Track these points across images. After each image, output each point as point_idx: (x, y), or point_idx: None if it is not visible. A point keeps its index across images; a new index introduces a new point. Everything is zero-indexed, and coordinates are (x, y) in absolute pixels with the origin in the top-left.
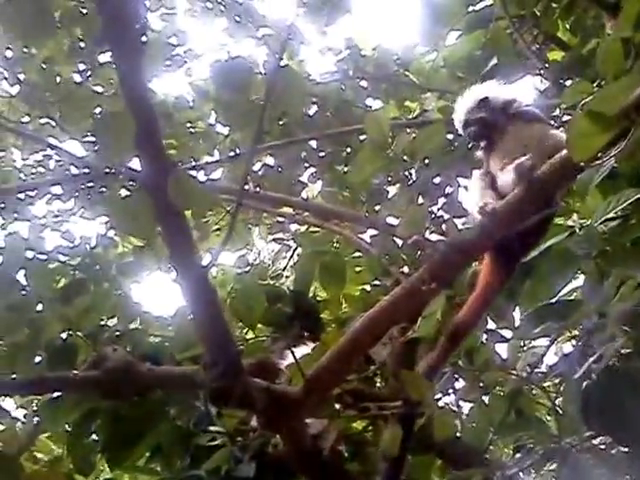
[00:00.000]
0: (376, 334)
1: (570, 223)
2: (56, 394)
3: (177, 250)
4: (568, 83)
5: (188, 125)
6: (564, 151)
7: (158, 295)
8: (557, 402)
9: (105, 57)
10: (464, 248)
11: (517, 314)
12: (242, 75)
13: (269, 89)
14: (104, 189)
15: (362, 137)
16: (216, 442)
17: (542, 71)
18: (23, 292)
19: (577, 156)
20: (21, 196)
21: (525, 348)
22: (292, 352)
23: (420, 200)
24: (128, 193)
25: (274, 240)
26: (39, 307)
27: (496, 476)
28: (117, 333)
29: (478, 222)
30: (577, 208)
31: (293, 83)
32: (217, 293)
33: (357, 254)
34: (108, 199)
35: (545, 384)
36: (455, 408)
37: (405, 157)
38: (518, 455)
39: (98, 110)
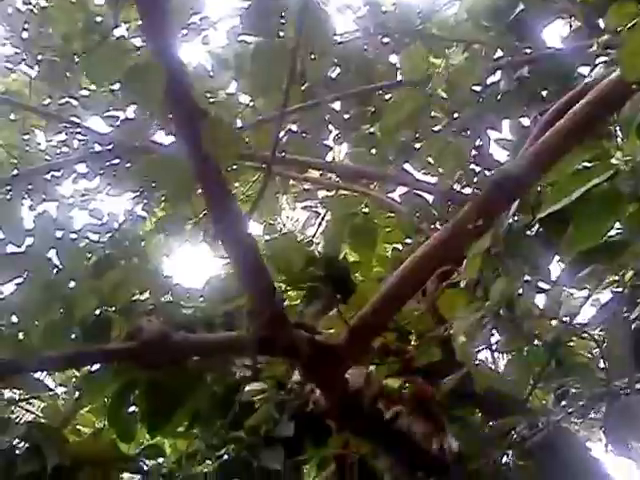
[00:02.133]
0: (420, 279)
1: (613, 161)
2: (94, 367)
3: (217, 200)
4: (601, 22)
5: (208, 95)
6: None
7: (189, 268)
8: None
9: (121, 31)
10: (510, 183)
11: (554, 266)
12: (272, 16)
13: (298, 28)
14: (129, 164)
15: (387, 96)
16: (255, 402)
17: (573, 12)
18: (55, 271)
19: (630, 75)
20: (47, 177)
21: (565, 296)
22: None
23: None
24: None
25: (302, 208)
26: (71, 285)
27: (541, 422)
28: (150, 307)
29: (523, 156)
30: (621, 146)
31: (321, 22)
32: (257, 244)
33: (387, 215)
34: (144, 161)
35: (588, 330)
36: (492, 361)
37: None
38: (562, 403)
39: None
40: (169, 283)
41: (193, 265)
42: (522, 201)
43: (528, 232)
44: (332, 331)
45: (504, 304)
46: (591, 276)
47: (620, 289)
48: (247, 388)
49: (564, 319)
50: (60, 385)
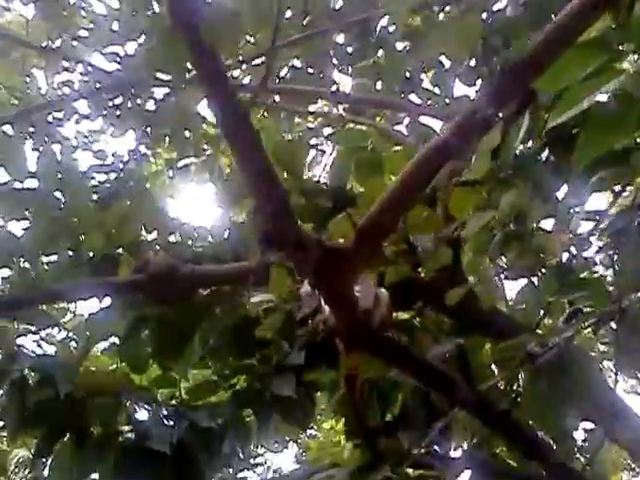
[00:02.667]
0: (427, 174)
1: (625, 66)
2: (104, 304)
3: (212, 83)
4: None
5: None
6: None
7: (195, 209)
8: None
9: None
10: (519, 72)
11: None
12: None
13: None
14: (132, 104)
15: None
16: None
17: None
18: (60, 208)
19: None
20: (49, 119)
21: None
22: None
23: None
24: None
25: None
26: (77, 221)
27: (551, 341)
28: (158, 246)
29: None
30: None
31: None
32: (259, 134)
33: (394, 147)
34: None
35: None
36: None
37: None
38: (573, 321)
39: None
40: (176, 222)
41: (200, 206)
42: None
43: (538, 158)
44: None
45: (513, 217)
46: (602, 182)
47: (632, 198)
48: (254, 299)
49: (574, 233)
50: (70, 332)
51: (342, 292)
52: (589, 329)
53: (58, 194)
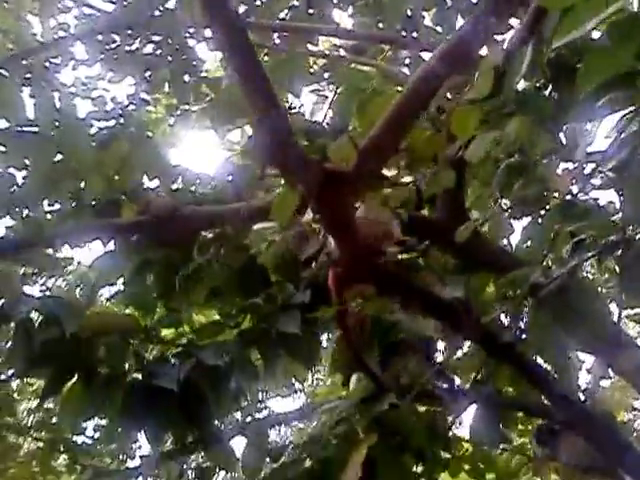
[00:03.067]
0: (430, 90)
1: None
2: (109, 248)
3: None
4: None
5: None
6: None
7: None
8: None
9: None
10: None
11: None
12: None
13: None
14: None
15: None
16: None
17: None
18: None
19: None
20: (46, 65)
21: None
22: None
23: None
24: None
25: (310, 92)
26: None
27: (555, 273)
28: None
29: None
30: None
31: None
32: (253, 46)
33: (396, 88)
34: None
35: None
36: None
37: None
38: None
39: None
40: (178, 169)
41: (202, 153)
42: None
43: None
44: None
45: (517, 148)
46: (610, 103)
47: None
48: (256, 226)
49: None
50: (77, 286)
51: (344, 219)
52: (593, 259)
53: (57, 139)
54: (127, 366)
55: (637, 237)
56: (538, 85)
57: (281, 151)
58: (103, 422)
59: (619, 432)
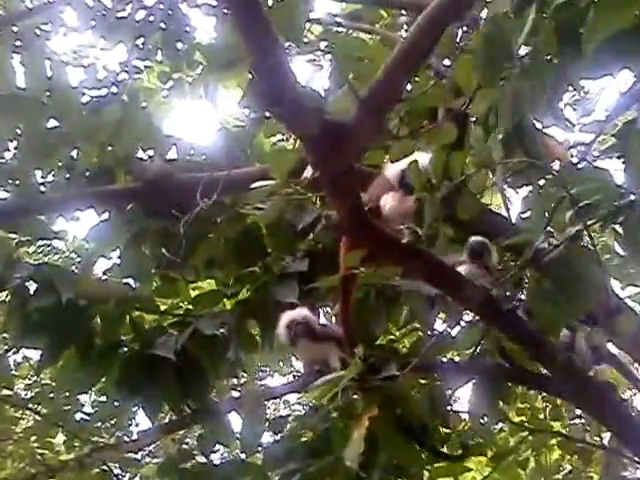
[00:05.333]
0: (432, 37)
1: None
2: (104, 217)
3: None
4: None
5: None
6: None
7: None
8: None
9: None
10: None
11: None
12: None
13: None
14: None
15: None
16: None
17: None
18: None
19: None
20: (37, 32)
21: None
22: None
23: None
24: None
25: (306, 62)
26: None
27: (558, 238)
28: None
29: None
30: None
31: None
32: None
33: None
34: None
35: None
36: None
37: None
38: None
39: None
40: (172, 139)
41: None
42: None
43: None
44: None
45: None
46: (614, 61)
47: None
48: (254, 184)
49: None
50: (73, 252)
51: (344, 175)
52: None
53: (49, 106)
54: (124, 336)
55: None
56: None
57: (278, 97)
58: (101, 399)
59: (619, 404)
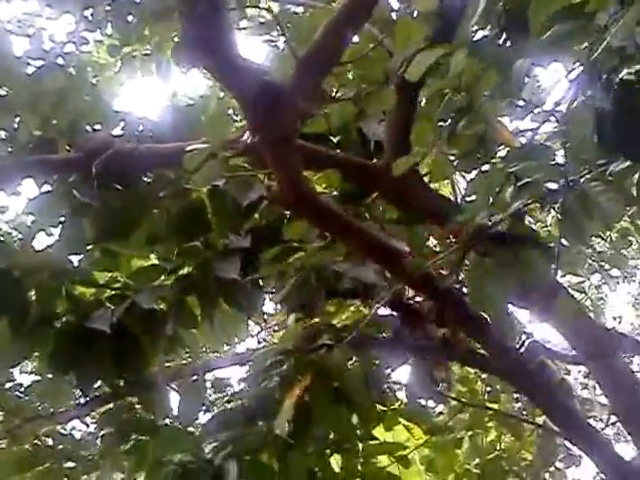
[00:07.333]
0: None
1: None
2: (45, 189)
3: None
4: None
5: None
6: None
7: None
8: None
9: None
10: None
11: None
12: None
13: None
14: None
15: None
16: None
17: None
18: None
19: None
20: None
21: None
22: None
23: None
24: None
25: (263, 42)
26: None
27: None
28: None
29: None
30: None
31: None
32: None
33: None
34: None
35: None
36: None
37: None
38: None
39: None
40: (120, 114)
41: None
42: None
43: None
44: None
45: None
46: (558, 41)
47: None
48: (189, 147)
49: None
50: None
51: (285, 146)
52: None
53: None
54: (60, 309)
55: (580, 182)
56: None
57: (210, 48)
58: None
59: (551, 383)
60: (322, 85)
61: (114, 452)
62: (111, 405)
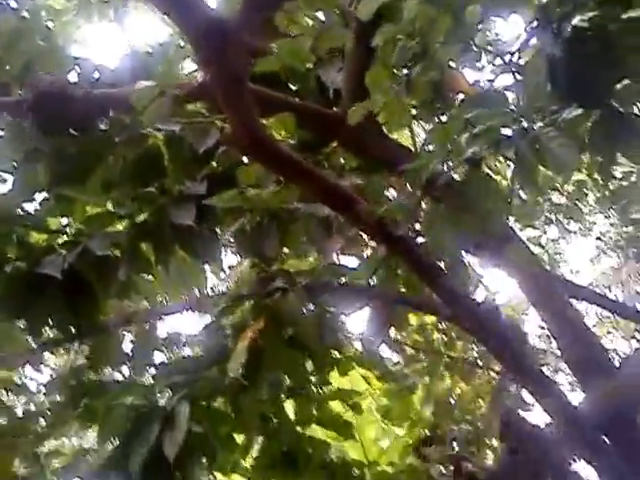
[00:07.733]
0: None
1: None
2: None
3: None
4: None
5: None
6: None
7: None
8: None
9: None
10: None
11: None
12: None
13: None
14: None
15: None
16: None
17: None
18: None
19: None
20: None
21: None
22: None
23: None
24: None
25: None
26: None
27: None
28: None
29: None
30: None
31: None
32: None
33: None
34: None
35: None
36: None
37: None
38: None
39: None
40: (76, 59)
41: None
42: None
43: None
44: None
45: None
46: None
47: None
48: (138, 85)
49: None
50: None
51: (237, 87)
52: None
53: None
54: (10, 254)
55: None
56: None
57: None
58: None
59: (504, 328)
60: (273, 21)
61: (65, 419)
62: (60, 372)
